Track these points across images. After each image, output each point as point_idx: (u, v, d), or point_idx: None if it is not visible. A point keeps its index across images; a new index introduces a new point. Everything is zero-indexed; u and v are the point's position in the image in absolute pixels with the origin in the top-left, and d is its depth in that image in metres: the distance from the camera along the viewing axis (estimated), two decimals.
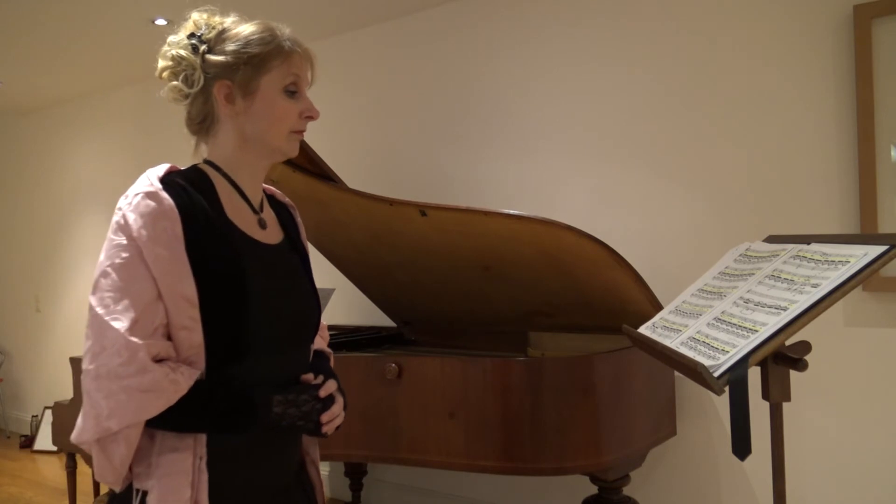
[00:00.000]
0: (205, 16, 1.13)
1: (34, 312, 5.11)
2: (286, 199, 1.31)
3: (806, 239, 1.35)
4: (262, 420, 1.04)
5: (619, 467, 2.10)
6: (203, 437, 1.02)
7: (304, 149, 2.28)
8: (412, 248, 2.47)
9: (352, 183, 2.48)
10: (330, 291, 2.89)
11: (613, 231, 2.61)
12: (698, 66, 2.48)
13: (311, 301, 1.21)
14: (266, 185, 1.28)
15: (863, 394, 2.19)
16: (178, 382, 0.97)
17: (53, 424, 2.99)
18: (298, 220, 1.32)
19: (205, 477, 1.01)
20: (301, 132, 1.15)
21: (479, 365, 2.02)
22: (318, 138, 2.62)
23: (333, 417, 1.13)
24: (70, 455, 3.04)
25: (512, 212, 2.18)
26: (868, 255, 1.14)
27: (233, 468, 1.06)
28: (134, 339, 0.95)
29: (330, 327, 3.06)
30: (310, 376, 1.15)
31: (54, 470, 4.24)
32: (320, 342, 1.32)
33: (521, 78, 2.90)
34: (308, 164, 2.36)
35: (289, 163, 2.35)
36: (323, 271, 3.08)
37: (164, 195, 1.01)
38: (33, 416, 4.90)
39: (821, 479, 2.26)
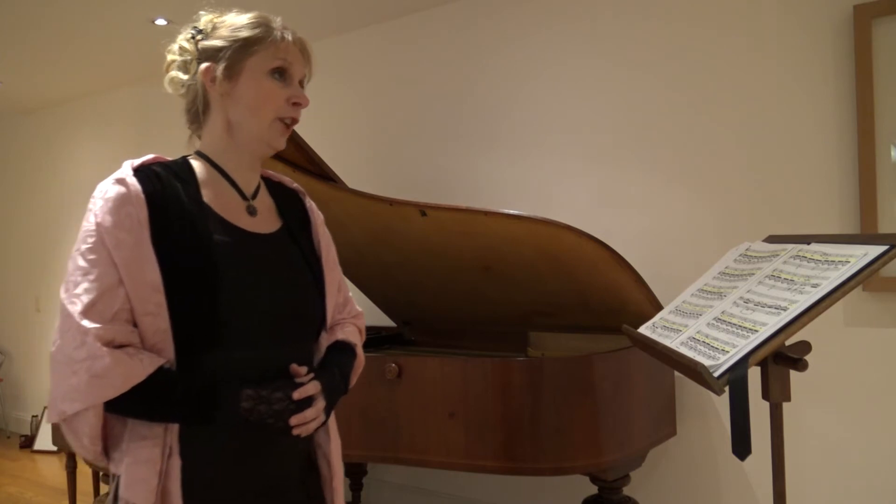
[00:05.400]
0: (212, 15, 1.15)
1: (34, 312, 5.11)
2: (295, 186, 1.27)
3: (806, 239, 1.35)
4: (228, 414, 1.00)
5: (619, 467, 2.10)
6: (175, 427, 1.00)
7: (304, 149, 2.28)
8: (412, 248, 2.47)
9: (352, 183, 2.48)
10: None
11: (613, 231, 2.61)
12: (699, 66, 2.47)
13: (305, 295, 1.15)
14: (273, 173, 1.26)
15: (863, 394, 2.19)
16: (131, 367, 0.95)
17: (53, 424, 2.98)
18: (310, 206, 1.27)
19: (176, 467, 0.99)
20: (287, 123, 1.12)
21: (479, 365, 2.02)
22: (318, 138, 2.62)
23: (305, 421, 1.05)
24: (70, 455, 3.04)
25: (512, 212, 2.18)
26: (868, 255, 1.14)
27: (210, 460, 1.03)
28: (85, 322, 0.94)
29: None
30: (301, 369, 1.09)
31: (54, 470, 4.23)
32: (353, 332, 1.27)
33: (521, 77, 2.90)
34: (308, 163, 2.36)
35: (289, 163, 2.35)
36: None
37: (132, 181, 1.01)
38: (33, 416, 4.90)
39: (821, 479, 2.26)
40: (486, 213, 2.14)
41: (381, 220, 2.40)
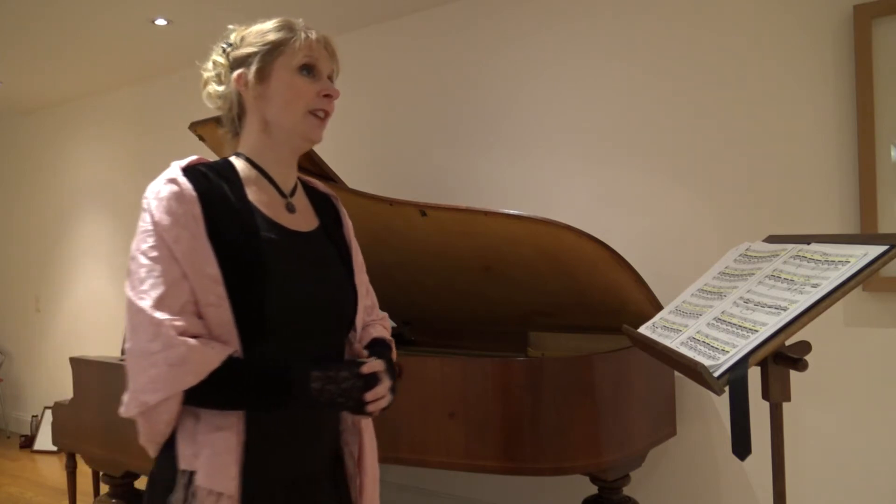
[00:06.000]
0: (239, 28, 1.20)
1: (34, 312, 5.11)
2: (328, 190, 1.33)
3: (806, 239, 1.35)
4: (300, 396, 1.04)
5: (618, 467, 2.10)
6: (243, 415, 1.04)
7: None
8: (412, 248, 2.47)
9: (352, 183, 2.48)
10: None
11: (613, 231, 2.61)
12: (699, 66, 2.47)
13: (342, 290, 1.20)
14: (307, 178, 1.30)
15: (863, 394, 2.19)
16: (207, 355, 0.99)
17: (53, 424, 2.98)
18: (342, 211, 1.32)
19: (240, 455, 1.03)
20: (320, 116, 1.18)
21: (479, 365, 2.02)
22: None
23: (377, 397, 1.10)
24: (70, 455, 3.04)
25: (512, 212, 2.18)
26: (868, 255, 1.14)
27: (265, 450, 1.07)
28: (158, 314, 0.98)
29: None
30: (363, 351, 1.15)
31: (54, 470, 4.24)
32: (382, 331, 1.32)
33: (521, 78, 2.90)
34: (308, 163, 2.36)
35: None
36: None
37: (184, 180, 1.05)
38: (33, 416, 4.90)
39: (821, 479, 2.26)
40: (486, 213, 2.15)
41: (381, 220, 2.40)
